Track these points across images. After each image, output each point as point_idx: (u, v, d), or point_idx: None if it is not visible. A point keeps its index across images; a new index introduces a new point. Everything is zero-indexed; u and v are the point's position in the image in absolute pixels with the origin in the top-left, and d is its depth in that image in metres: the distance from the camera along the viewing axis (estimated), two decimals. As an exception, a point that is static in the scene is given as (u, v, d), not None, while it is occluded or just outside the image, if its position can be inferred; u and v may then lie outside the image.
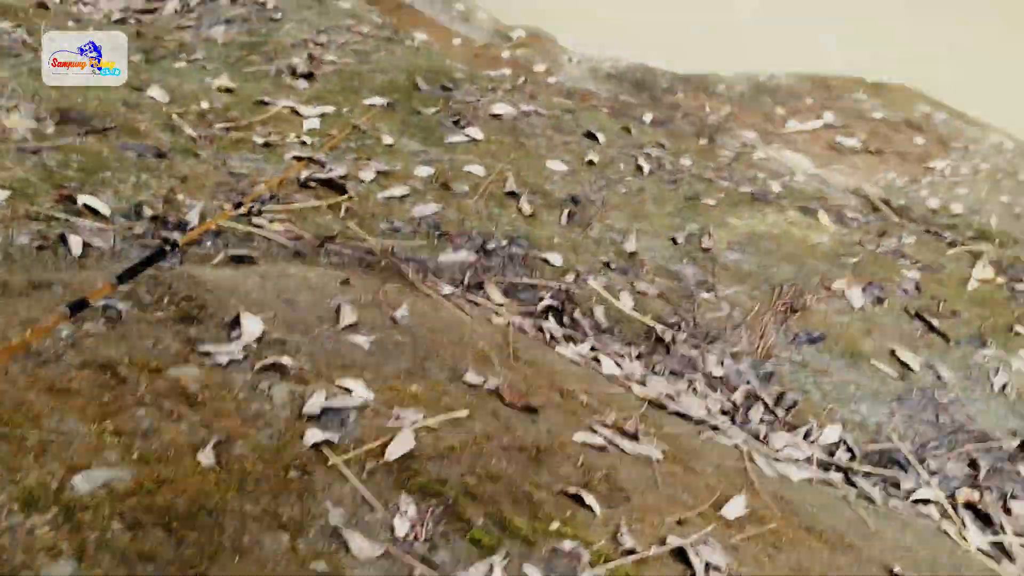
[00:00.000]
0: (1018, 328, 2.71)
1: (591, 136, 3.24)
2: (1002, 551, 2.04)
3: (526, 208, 2.72)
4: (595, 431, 1.85)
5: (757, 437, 2.19)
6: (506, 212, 2.70)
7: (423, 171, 2.74)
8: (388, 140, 2.85)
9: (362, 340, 1.87)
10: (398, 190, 2.61)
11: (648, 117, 4.77)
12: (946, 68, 6.78)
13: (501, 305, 2.33)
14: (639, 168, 3.08)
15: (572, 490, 1.61)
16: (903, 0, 7.69)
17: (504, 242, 2.54)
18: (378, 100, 3.06)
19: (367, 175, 2.62)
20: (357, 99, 3.04)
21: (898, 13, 7.58)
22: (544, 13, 6.54)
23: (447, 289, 2.25)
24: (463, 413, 1.73)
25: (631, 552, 1.48)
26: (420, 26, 5.56)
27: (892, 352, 2.51)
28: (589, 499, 1.60)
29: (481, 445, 1.66)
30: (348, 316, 1.93)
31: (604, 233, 2.73)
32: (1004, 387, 2.46)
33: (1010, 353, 2.58)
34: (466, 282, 2.34)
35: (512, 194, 2.77)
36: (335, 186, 2.53)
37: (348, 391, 1.67)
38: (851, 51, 7.19)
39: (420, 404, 1.72)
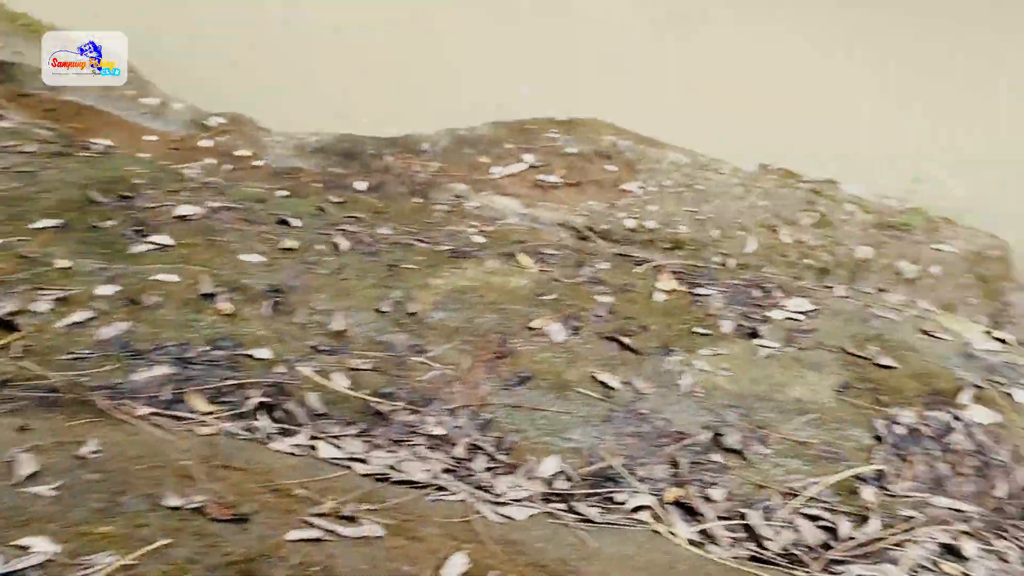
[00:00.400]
0: (697, 329, 3.03)
1: (285, 223, 3.26)
2: (707, 537, 2.26)
3: (225, 307, 2.68)
4: (311, 524, 1.86)
5: (482, 487, 2.29)
6: (204, 316, 2.64)
7: (106, 290, 2.62)
8: (63, 263, 2.69)
9: (44, 489, 1.76)
10: (79, 315, 2.48)
11: (362, 185, 4.88)
12: (626, 97, 7.49)
13: (208, 413, 2.27)
14: (336, 246, 3.13)
15: (287, 594, 1.60)
16: (577, 36, 8.39)
17: (205, 347, 2.49)
18: (48, 223, 2.90)
19: (41, 306, 2.46)
20: (24, 226, 2.86)
21: (575, 49, 8.26)
22: (243, 96, 6.49)
23: (144, 410, 2.17)
24: (164, 541, 1.68)
25: (350, 641, 1.50)
26: (106, 129, 5.31)
27: (593, 377, 2.72)
28: (306, 598, 1.60)
29: (186, 571, 1.61)
30: (27, 466, 1.81)
31: (310, 317, 2.75)
32: (692, 387, 2.73)
33: (692, 355, 2.88)
34: (166, 398, 2.27)
35: (209, 295, 2.72)
36: (5, 324, 2.37)
37: (26, 549, 1.57)
38: (542, 94, 7.75)
39: (115, 544, 1.64)
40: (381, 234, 3.29)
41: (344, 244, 3.12)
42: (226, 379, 2.40)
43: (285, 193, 4.15)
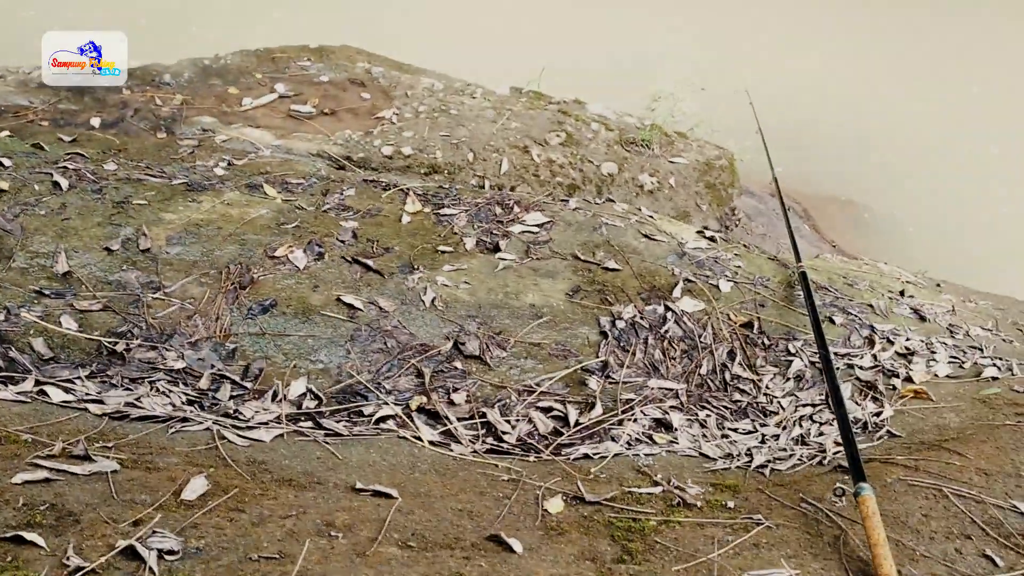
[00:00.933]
0: (441, 247, 3.16)
1: (-5, 163, 3.04)
2: (450, 436, 2.43)
3: (-71, 257, 2.49)
4: (38, 466, 1.83)
5: (228, 414, 2.32)
6: (-95, 267, 2.45)
7: None
8: None
9: None
10: None
11: (96, 121, 4.57)
12: (379, 23, 7.44)
13: (-83, 369, 2.14)
14: (56, 185, 2.96)
15: (10, 534, 1.58)
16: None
17: (-92, 300, 2.32)
18: None
19: None
20: None
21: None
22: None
23: None
24: None
25: (79, 570, 1.52)
26: None
27: (339, 299, 2.79)
28: (31, 536, 1.58)
29: None
30: None
31: (30, 261, 2.60)
32: (433, 301, 2.87)
33: (435, 271, 3.01)
34: None
35: (-91, 246, 2.51)
36: None
37: None
38: (294, 20, 7.55)
39: None
40: (107, 170, 3.13)
41: (64, 183, 2.95)
42: (-65, 332, 2.26)
43: (6, 134, 3.84)
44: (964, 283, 4.31)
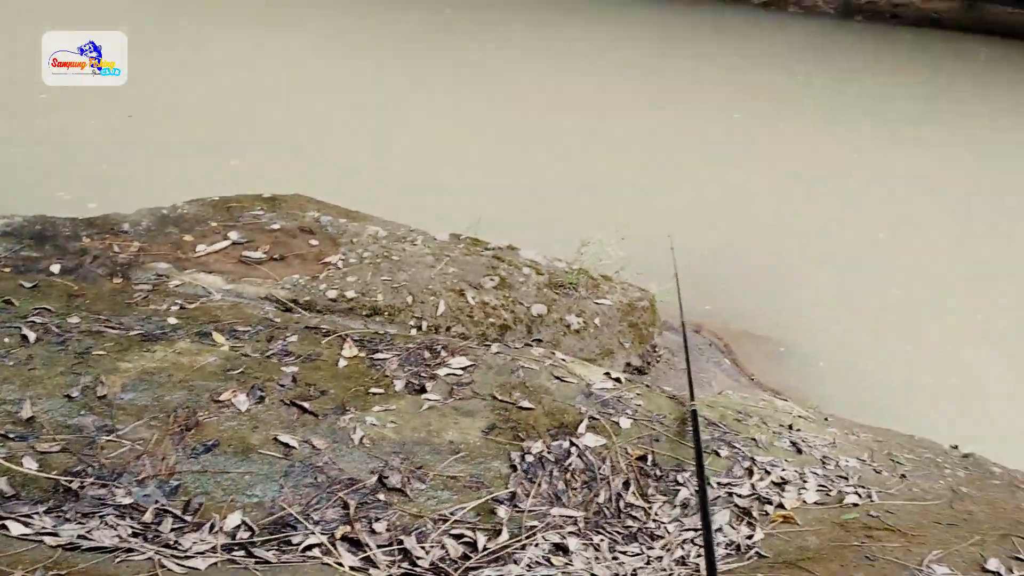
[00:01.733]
0: (373, 389, 3.53)
1: (-31, 318, 3.37)
2: (369, 562, 2.73)
3: (-94, 405, 2.79)
4: (-1, 593, 2.11)
5: (168, 545, 2.61)
6: None
7: None
8: None
9: None
10: None
11: (56, 268, 4.91)
12: (328, 173, 8.01)
13: None
14: (24, 338, 3.30)
15: (-24, 651, 1.86)
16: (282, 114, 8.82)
17: None
18: None
19: None
20: None
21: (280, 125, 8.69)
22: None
23: None
24: None
25: None
26: None
27: (276, 439, 3.12)
28: (-6, 652, 1.86)
29: None
30: None
31: (-2, 408, 2.93)
32: (362, 439, 3.21)
33: (366, 412, 3.37)
34: None
35: None
36: None
37: None
38: (251, 171, 8.08)
39: None
40: (71, 323, 3.49)
41: (32, 336, 3.30)
42: (-91, 474, 2.54)
43: (-32, 280, 4.17)
44: (873, 417, 4.74)
